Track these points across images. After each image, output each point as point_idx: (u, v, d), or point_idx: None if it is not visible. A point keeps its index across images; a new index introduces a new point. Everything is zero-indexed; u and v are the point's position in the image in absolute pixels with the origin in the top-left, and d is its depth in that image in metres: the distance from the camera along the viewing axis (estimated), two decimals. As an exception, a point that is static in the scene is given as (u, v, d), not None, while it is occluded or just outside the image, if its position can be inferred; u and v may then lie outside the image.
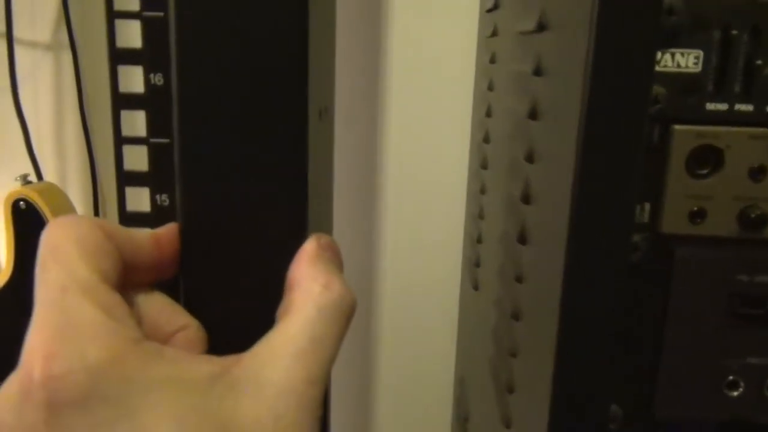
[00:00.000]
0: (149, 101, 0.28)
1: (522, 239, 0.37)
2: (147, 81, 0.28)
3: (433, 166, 0.79)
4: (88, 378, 0.21)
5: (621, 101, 0.25)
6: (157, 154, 0.29)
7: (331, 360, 0.24)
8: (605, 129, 0.25)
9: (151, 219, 0.30)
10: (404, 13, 0.76)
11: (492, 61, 0.56)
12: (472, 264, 0.64)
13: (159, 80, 0.28)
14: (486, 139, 0.58)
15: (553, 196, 0.30)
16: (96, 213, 0.81)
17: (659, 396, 0.31)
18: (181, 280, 0.29)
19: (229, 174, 0.27)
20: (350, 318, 0.25)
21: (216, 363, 0.24)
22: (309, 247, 0.27)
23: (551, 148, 0.31)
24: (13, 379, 0.22)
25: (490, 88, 0.57)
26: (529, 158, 0.36)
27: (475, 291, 0.63)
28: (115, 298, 0.23)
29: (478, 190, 0.62)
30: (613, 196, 0.26)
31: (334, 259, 0.27)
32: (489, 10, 0.60)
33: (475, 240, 0.63)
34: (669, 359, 0.31)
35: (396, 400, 0.86)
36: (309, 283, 0.25)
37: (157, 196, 0.29)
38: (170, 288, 0.29)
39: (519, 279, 0.37)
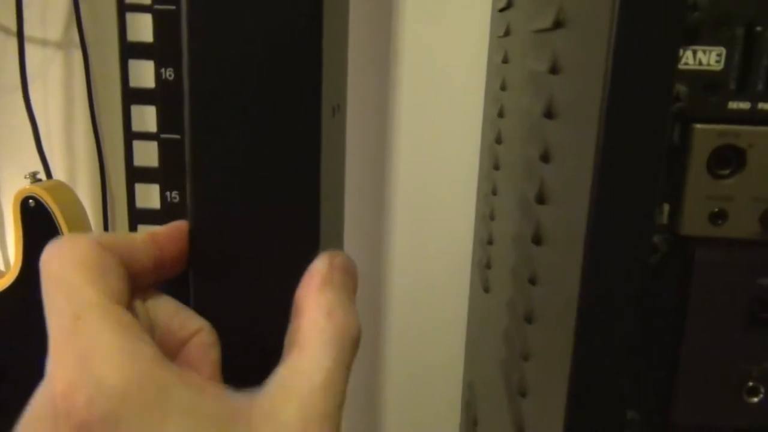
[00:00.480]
0: (160, 96, 0.28)
1: (536, 240, 0.36)
2: (158, 76, 0.28)
3: (443, 167, 0.79)
4: (109, 406, 0.21)
5: (642, 100, 0.24)
6: (167, 151, 0.29)
7: (343, 393, 0.24)
8: (626, 128, 0.25)
9: (161, 216, 0.29)
10: (415, 13, 0.75)
11: (505, 60, 0.56)
12: (483, 266, 0.64)
13: (170, 75, 0.27)
14: (498, 140, 0.57)
15: (570, 196, 0.29)
16: (105, 211, 0.81)
17: (676, 402, 0.31)
18: (191, 280, 0.28)
19: (240, 171, 0.26)
20: (357, 347, 0.25)
21: (233, 401, 0.23)
22: (319, 268, 0.26)
23: (568, 147, 0.30)
24: (39, 409, 0.22)
25: (503, 87, 0.56)
26: (545, 158, 0.35)
27: (485, 293, 0.63)
28: (128, 318, 0.23)
29: (489, 191, 0.61)
30: (634, 196, 0.25)
31: (346, 282, 0.27)
32: (502, 9, 0.60)
33: (485, 241, 0.62)
34: (687, 364, 0.30)
35: (404, 404, 0.86)
36: (315, 312, 0.25)
37: (168, 193, 0.29)
38: (177, 286, 0.29)
39: (533, 281, 0.37)
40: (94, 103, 0.78)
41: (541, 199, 0.36)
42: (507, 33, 0.55)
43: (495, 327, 0.54)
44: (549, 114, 0.34)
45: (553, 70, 0.34)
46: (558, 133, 0.33)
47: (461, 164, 0.79)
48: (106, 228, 0.81)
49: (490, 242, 0.60)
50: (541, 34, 0.38)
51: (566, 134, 0.31)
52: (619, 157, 0.25)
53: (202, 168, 0.27)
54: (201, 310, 0.28)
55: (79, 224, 0.73)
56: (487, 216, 0.63)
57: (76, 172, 0.82)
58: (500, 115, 0.57)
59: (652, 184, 0.25)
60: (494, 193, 0.59)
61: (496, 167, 0.58)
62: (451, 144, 0.78)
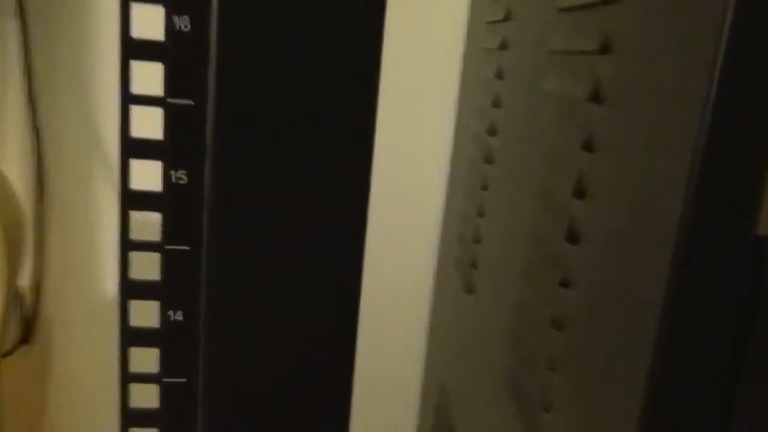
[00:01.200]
0: (171, 50, 0.23)
1: (571, 238, 0.33)
2: (169, 26, 0.22)
3: (407, 162, 0.75)
4: None
5: (761, 79, 0.21)
6: (175, 120, 0.23)
7: None
8: (740, 114, 0.21)
9: (164, 201, 0.24)
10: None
11: (503, 47, 0.52)
12: (466, 265, 0.60)
13: (185, 26, 0.22)
14: (492, 131, 0.54)
15: (645, 190, 0.25)
16: (41, 199, 0.73)
17: (740, 414, 0.28)
18: (204, 274, 0.23)
19: (275, 147, 0.22)
20: None
21: None
22: None
23: (635, 136, 0.27)
24: None
25: (500, 76, 0.53)
26: (588, 147, 0.32)
27: (467, 294, 0.59)
28: None
29: (477, 186, 0.58)
30: (740, 191, 0.22)
31: None
32: (496, -6, 0.56)
33: (470, 239, 0.59)
34: (754, 374, 0.27)
35: (361, 402, 0.82)
36: None
37: (172, 173, 0.24)
38: (185, 263, 0.24)
39: (565, 283, 0.33)
40: (33, 78, 0.70)
41: (580, 194, 0.32)
42: (507, 18, 0.52)
43: (487, 330, 0.51)
44: (596, 98, 0.31)
45: (604, 49, 0.30)
46: (612, 120, 0.29)
47: (428, 160, 0.75)
48: (41, 219, 0.73)
49: (477, 240, 0.57)
50: (575, 12, 0.35)
51: (631, 121, 0.28)
52: (728, 147, 0.22)
53: (228, 142, 0.22)
54: (214, 304, 0.23)
55: (11, 217, 0.65)
56: (473, 213, 0.59)
57: (7, 156, 0.74)
58: (495, 105, 0.53)
59: (760, 176, 0.22)
60: (484, 188, 0.56)
61: (489, 161, 0.55)
62: (416, 139, 0.75)
